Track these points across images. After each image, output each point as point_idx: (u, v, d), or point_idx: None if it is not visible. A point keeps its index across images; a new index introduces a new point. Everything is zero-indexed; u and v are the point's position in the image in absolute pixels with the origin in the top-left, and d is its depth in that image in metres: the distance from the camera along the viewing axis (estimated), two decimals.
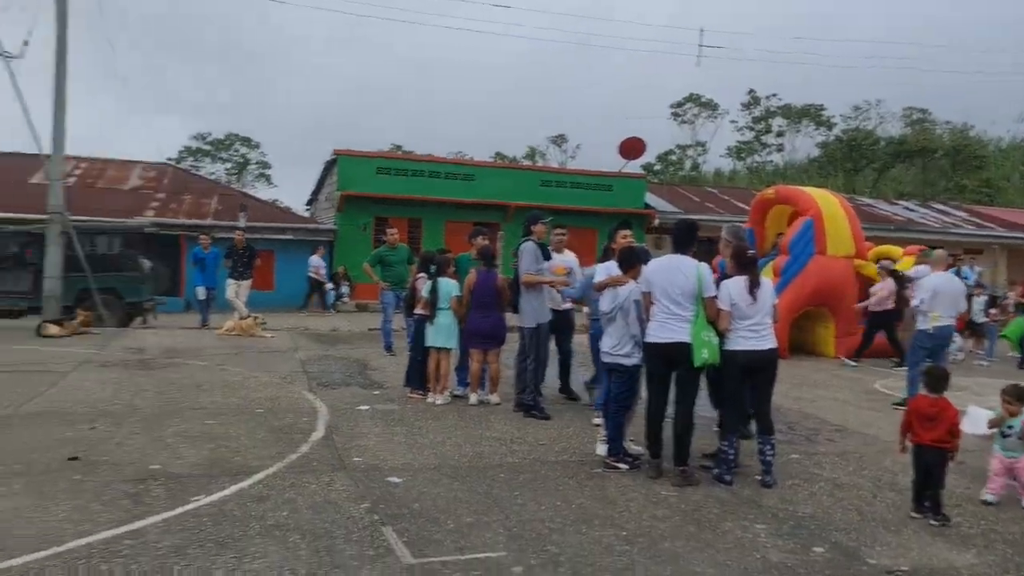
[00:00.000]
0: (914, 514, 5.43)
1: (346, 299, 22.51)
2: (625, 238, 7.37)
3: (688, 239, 6.24)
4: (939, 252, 9.76)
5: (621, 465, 6.28)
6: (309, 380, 9.90)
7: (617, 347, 6.34)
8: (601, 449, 6.63)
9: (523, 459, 6.53)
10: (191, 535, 4.51)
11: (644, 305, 6.20)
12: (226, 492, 5.33)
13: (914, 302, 9.37)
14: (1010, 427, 5.70)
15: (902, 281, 13.10)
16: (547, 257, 8.47)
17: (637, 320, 6.27)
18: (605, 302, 6.43)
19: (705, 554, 4.59)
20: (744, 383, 6.13)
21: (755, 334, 5.99)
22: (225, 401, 8.36)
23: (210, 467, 5.92)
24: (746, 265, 6.12)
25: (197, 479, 5.60)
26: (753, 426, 6.30)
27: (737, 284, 6.05)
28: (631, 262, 6.47)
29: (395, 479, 5.79)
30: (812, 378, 11.71)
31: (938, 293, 8.93)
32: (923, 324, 9.07)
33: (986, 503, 5.70)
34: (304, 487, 5.50)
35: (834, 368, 13.07)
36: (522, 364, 8.28)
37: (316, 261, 21.51)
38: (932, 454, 5.37)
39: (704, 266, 6.05)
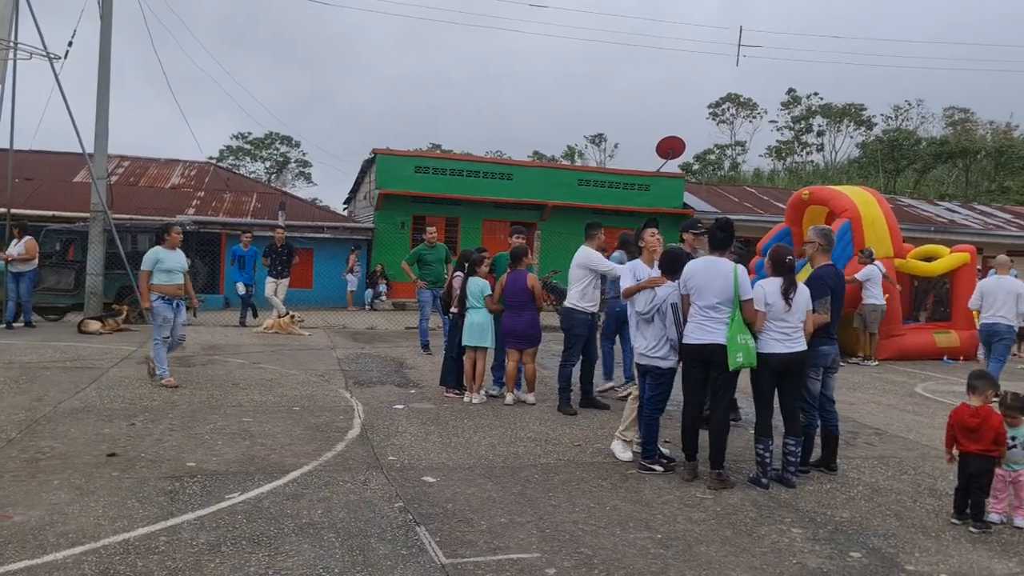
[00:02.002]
0: (955, 520, 5.32)
1: (384, 297, 22.63)
2: (653, 236, 7.23)
3: (725, 240, 6.16)
4: (1001, 257, 10.79)
5: (656, 467, 6.24)
6: (346, 378, 9.96)
7: (653, 349, 6.28)
8: (615, 446, 6.69)
9: (558, 460, 6.50)
10: (225, 532, 4.55)
11: (683, 307, 6.15)
12: (262, 490, 5.37)
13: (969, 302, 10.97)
14: (1013, 438, 5.36)
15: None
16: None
17: (675, 323, 6.22)
18: (641, 303, 6.37)
19: (740, 559, 4.53)
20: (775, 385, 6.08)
21: (787, 337, 5.95)
22: (262, 399, 8.44)
23: (246, 464, 5.97)
24: (782, 269, 6.04)
25: (233, 476, 5.65)
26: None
27: (773, 285, 5.98)
28: (676, 266, 6.35)
29: (429, 479, 5.79)
30: (851, 380, 11.53)
31: (985, 294, 10.30)
32: (977, 321, 10.76)
33: (992, 523, 5.28)
34: (339, 485, 5.53)
35: (873, 370, 12.87)
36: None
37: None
38: (977, 461, 5.25)
39: (741, 268, 6.00)
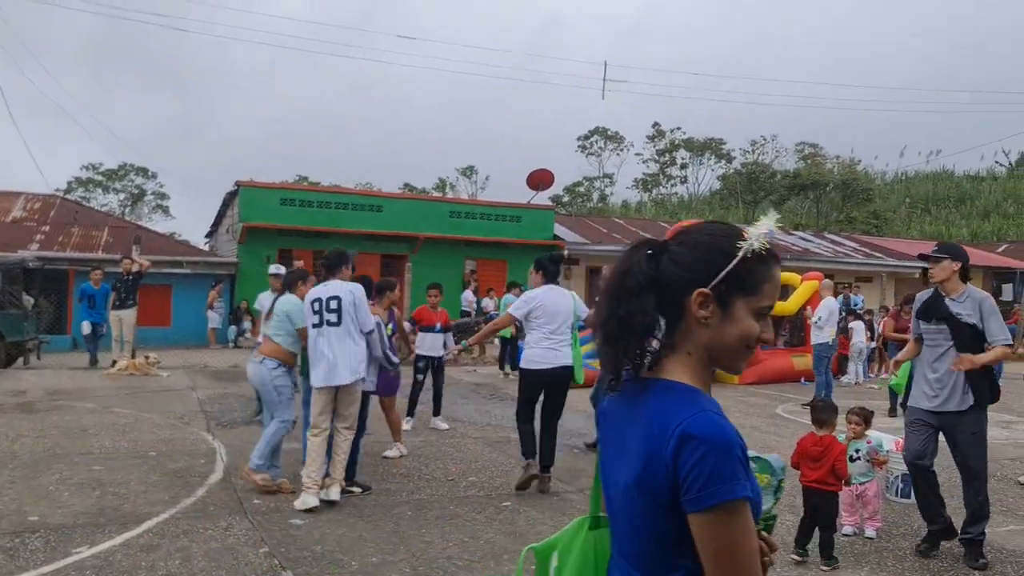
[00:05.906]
0: (794, 556, 4.97)
1: (248, 335, 21.84)
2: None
3: (557, 271, 6.98)
4: (827, 281, 12.65)
5: (356, 488, 6.32)
6: (207, 420, 9.50)
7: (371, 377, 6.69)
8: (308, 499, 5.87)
9: (431, 495, 6.37)
10: None
11: (512, 327, 7.06)
12: (113, 542, 5.00)
13: (813, 319, 12.06)
14: (857, 450, 5.38)
15: None
16: None
17: (380, 344, 6.60)
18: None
19: None
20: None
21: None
22: (114, 445, 7.92)
23: (96, 516, 5.56)
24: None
25: (81, 529, 5.25)
26: None
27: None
28: (383, 291, 7.33)
29: (297, 521, 5.56)
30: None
31: (832, 313, 11.96)
32: (822, 338, 11.80)
33: (845, 536, 5.40)
34: (199, 533, 5.22)
35: (738, 394, 13.33)
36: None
37: (468, 296, 20.83)
38: (819, 495, 4.98)
39: (574, 293, 6.88)
